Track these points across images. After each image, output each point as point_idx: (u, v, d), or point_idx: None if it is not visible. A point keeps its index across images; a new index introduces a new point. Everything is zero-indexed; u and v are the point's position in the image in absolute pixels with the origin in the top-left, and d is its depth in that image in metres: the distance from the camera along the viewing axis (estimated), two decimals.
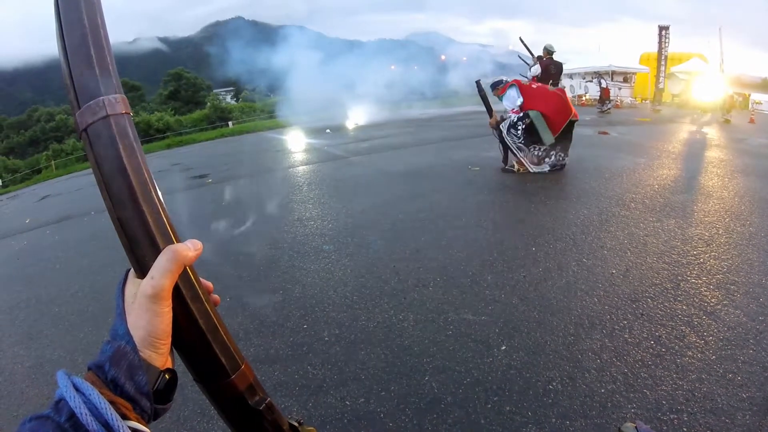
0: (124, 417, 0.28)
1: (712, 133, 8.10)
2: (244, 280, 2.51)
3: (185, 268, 0.33)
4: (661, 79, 15.22)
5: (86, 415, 0.26)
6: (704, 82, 13.23)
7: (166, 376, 0.32)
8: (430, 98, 22.49)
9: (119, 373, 0.29)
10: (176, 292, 0.32)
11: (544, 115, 4.52)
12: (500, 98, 4.76)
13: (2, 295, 2.99)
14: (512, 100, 4.58)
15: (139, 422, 0.29)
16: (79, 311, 2.48)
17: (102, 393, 0.28)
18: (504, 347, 1.67)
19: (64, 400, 0.27)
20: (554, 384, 1.45)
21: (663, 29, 15.25)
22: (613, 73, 18.28)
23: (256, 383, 0.37)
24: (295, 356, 1.73)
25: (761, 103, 14.43)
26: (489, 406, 1.37)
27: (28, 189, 14.31)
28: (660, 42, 15.16)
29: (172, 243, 0.33)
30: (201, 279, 0.36)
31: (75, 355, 2.02)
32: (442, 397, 1.42)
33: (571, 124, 4.64)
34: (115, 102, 0.33)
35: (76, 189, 9.51)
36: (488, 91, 4.89)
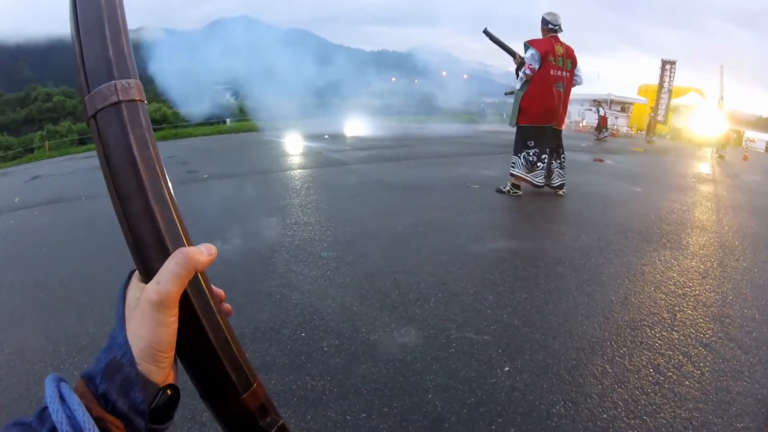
0: None
1: (707, 167, 8.32)
2: (239, 281, 2.45)
3: (196, 274, 0.30)
4: (660, 111, 15.65)
5: None
6: (703, 117, 13.68)
7: (168, 392, 0.29)
8: (426, 113, 22.40)
9: (112, 388, 0.27)
10: (184, 300, 0.29)
11: (527, 102, 4.34)
12: (525, 47, 4.41)
13: None
14: (531, 58, 4.28)
15: None
16: (65, 299, 2.38)
17: (90, 408, 0.26)
18: (507, 368, 1.65)
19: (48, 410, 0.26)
20: (558, 408, 1.43)
21: (667, 63, 15.74)
22: (612, 101, 18.77)
23: (268, 403, 0.35)
24: (292, 365, 1.69)
25: (755, 141, 14.95)
26: (493, 427, 1.35)
27: (20, 167, 13.97)
28: (662, 75, 15.62)
29: (184, 245, 0.30)
30: (212, 287, 0.33)
31: (58, 345, 1.93)
32: (445, 416, 1.40)
33: (554, 131, 4.50)
34: (129, 87, 0.30)
35: (69, 172, 9.31)
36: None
